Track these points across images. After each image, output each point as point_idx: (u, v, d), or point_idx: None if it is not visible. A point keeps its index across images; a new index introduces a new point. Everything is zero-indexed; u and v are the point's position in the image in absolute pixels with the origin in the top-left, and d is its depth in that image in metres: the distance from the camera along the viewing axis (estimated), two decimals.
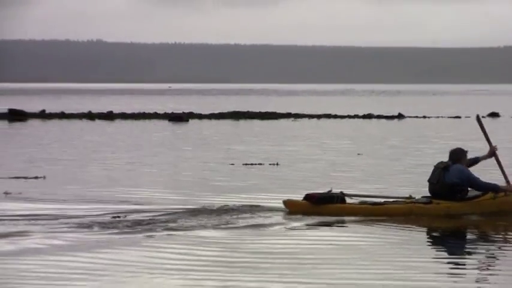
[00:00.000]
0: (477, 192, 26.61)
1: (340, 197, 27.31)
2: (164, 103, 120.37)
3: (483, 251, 21.97)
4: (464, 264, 19.74)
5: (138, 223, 24.45)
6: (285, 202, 27.86)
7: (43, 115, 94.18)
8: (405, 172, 39.75)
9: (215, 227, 23.89)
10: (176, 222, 24.95)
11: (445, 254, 22.00)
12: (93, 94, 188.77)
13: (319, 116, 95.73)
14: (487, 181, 26.71)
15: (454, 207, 26.26)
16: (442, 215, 26.20)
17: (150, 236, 21.97)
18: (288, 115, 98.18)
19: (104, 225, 23.94)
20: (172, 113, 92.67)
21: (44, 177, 34.49)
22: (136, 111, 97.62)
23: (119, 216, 25.07)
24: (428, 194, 26.91)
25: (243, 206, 27.68)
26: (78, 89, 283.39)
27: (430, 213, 26.36)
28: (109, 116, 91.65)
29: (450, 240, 24.53)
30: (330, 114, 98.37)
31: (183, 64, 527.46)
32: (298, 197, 28.38)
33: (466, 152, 26.96)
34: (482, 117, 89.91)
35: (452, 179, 26.12)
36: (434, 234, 24.85)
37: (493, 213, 26.13)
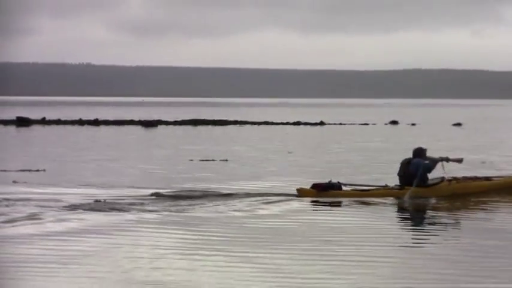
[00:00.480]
0: (437, 180, 27.73)
1: (338, 185, 28.16)
2: (139, 112, 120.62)
3: (440, 227, 22.95)
4: (422, 238, 20.04)
5: (119, 207, 24.35)
6: (298, 190, 28.43)
7: (43, 121, 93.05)
8: (325, 165, 39.58)
9: (188, 210, 23.63)
10: (150, 206, 24.93)
11: (409, 229, 22.40)
12: (83, 105, 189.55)
13: (259, 123, 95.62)
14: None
15: (421, 192, 26.99)
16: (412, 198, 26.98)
17: (135, 218, 21.87)
18: (235, 122, 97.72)
19: (94, 208, 23.74)
20: (145, 120, 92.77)
21: (44, 170, 34.47)
22: (116, 118, 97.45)
23: (100, 200, 25.16)
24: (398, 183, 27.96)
25: (206, 192, 27.92)
26: (71, 101, 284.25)
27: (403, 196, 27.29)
28: (95, 122, 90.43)
29: (415, 217, 25.35)
30: (267, 122, 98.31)
31: (154, 82, 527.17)
32: (254, 184, 30.67)
33: (425, 149, 28.13)
34: (385, 124, 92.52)
35: (413, 170, 27.15)
36: (402, 214, 25.55)
37: (448, 196, 27.03)
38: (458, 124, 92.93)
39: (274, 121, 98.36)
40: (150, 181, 33.00)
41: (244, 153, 47.27)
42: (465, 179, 28.31)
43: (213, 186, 30.06)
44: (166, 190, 28.36)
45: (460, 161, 28.52)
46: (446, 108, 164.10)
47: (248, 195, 28.67)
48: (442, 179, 27.70)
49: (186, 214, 23.50)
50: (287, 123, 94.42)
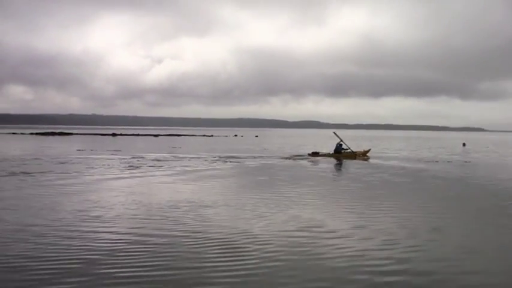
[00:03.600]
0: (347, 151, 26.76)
1: (317, 153, 26.76)
2: (152, 131, 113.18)
3: (338, 164, 22.58)
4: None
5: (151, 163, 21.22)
6: (308, 154, 26.91)
7: (121, 135, 74.44)
8: (215, 148, 37.58)
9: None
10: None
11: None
12: (132, 130, 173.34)
13: (190, 135, 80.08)
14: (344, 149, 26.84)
15: (340, 155, 26.16)
16: (340, 158, 25.61)
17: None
18: (183, 135, 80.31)
19: (141, 163, 20.66)
20: (154, 134, 79.14)
21: (121, 150, 32.55)
22: (149, 133, 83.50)
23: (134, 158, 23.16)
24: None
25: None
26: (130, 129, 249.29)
27: (335, 156, 26.04)
28: (143, 135, 73.57)
29: (337, 162, 23.66)
30: (193, 135, 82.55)
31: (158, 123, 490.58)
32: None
33: (341, 142, 26.98)
34: (233, 135, 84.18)
35: (340, 149, 26.63)
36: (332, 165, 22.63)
37: (346, 157, 25.73)
38: (257, 136, 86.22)
39: (196, 134, 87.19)
40: (163, 150, 32.03)
41: (186, 145, 43.59)
42: (346, 152, 26.83)
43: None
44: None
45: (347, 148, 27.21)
46: (253, 131, 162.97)
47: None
48: (345, 150, 26.73)
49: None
50: (199, 135, 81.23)
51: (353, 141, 52.75)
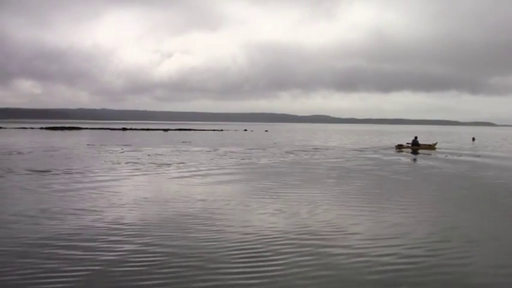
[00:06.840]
0: (418, 144, 28.77)
1: (402, 145, 28.32)
2: (160, 126, 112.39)
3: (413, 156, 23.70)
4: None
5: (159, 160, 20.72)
6: (395, 146, 28.65)
7: (131, 129, 74.24)
8: (229, 142, 37.68)
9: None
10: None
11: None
12: (141, 124, 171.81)
13: (200, 130, 79.03)
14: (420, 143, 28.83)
15: (419, 148, 27.97)
16: (417, 149, 27.36)
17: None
18: (193, 130, 78.91)
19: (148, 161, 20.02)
20: (162, 128, 77.57)
21: (131, 145, 32.65)
22: (157, 128, 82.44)
23: (148, 155, 21.97)
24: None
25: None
26: (137, 123, 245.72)
27: (414, 148, 27.91)
28: (147, 129, 73.18)
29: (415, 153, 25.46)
30: (203, 129, 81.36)
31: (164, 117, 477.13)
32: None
33: (417, 137, 29.62)
34: (242, 130, 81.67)
35: (417, 142, 28.44)
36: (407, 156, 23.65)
37: (423, 149, 27.90)
38: (266, 131, 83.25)
39: (206, 129, 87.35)
40: (173, 144, 30.92)
41: (196, 139, 43.00)
42: (421, 145, 29.27)
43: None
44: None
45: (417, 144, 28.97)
46: (263, 126, 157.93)
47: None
48: (419, 144, 28.78)
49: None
50: (209, 130, 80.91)
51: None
